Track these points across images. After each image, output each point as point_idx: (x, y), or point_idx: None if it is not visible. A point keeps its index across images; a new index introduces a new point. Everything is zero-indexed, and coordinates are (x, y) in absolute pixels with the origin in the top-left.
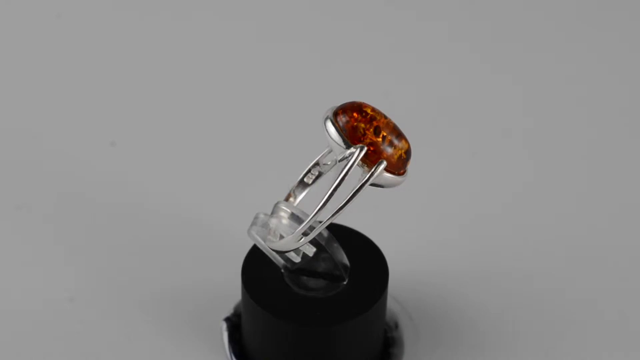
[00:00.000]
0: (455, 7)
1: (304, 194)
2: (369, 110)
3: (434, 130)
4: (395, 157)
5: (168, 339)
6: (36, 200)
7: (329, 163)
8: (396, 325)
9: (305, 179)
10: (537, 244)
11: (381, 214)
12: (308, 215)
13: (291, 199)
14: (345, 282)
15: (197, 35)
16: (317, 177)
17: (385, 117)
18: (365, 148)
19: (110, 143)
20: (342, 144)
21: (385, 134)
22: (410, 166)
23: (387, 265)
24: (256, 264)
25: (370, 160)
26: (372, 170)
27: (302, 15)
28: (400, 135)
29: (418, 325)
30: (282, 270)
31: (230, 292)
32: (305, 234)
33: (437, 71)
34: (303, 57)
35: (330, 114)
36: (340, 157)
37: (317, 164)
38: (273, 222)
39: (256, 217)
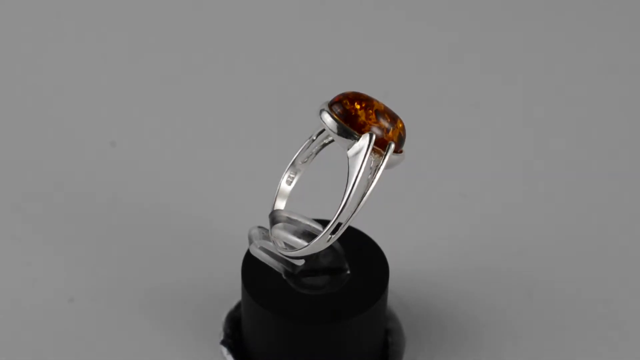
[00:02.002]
0: (453, 7)
1: (287, 196)
2: (362, 97)
3: (435, 130)
4: (396, 137)
5: (168, 339)
6: (36, 200)
7: (306, 160)
8: (393, 318)
9: (285, 182)
10: (538, 242)
11: (381, 213)
12: (305, 217)
13: (279, 204)
14: (348, 272)
15: (195, 37)
16: (295, 177)
17: (377, 100)
18: (374, 135)
19: (110, 143)
20: (342, 132)
21: (384, 116)
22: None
23: (387, 264)
24: (256, 263)
25: (376, 145)
26: (385, 153)
27: (294, 19)
28: (394, 115)
29: (418, 323)
30: (284, 277)
31: (230, 292)
32: (332, 232)
33: (434, 73)
34: (297, 59)
35: (325, 106)
36: (351, 150)
37: (293, 164)
38: (275, 232)
39: (250, 234)
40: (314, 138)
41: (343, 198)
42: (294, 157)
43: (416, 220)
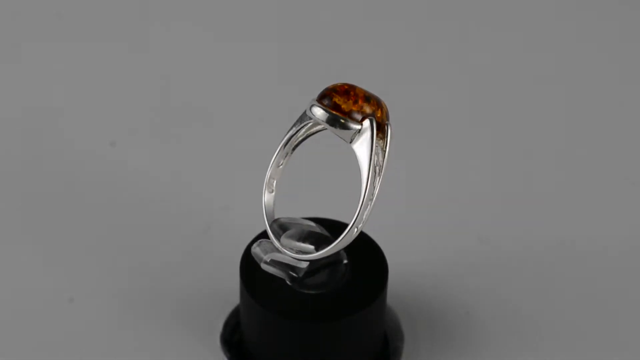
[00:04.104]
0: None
1: (273, 201)
2: (346, 86)
3: (432, 127)
4: (385, 117)
5: (168, 339)
6: (36, 200)
7: (282, 162)
8: (392, 316)
9: (268, 189)
10: (537, 236)
11: (380, 212)
12: (302, 219)
13: (269, 210)
14: (345, 262)
15: (191, 38)
16: (275, 178)
17: (359, 86)
18: (375, 119)
19: (110, 143)
20: (337, 123)
21: (370, 100)
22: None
23: (386, 262)
24: (253, 266)
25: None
26: (387, 133)
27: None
28: (376, 97)
29: (417, 321)
30: (289, 283)
31: (229, 291)
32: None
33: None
34: (292, 59)
35: (314, 102)
36: (357, 138)
37: (272, 167)
38: (283, 241)
39: (256, 252)
40: (293, 133)
41: (362, 185)
42: (272, 160)
43: (415, 219)
